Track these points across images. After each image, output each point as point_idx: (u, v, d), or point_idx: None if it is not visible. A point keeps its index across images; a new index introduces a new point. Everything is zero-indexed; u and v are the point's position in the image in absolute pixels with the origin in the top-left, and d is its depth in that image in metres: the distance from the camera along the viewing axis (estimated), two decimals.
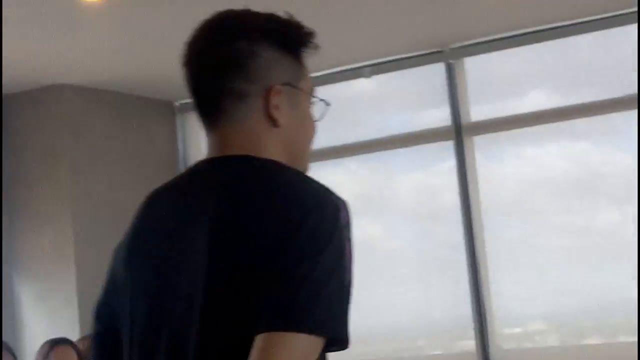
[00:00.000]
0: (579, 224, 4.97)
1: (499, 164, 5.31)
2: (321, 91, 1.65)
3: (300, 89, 1.60)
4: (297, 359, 1.42)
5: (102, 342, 1.76)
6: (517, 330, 5.22)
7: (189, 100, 5.38)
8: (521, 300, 4.98)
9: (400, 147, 5.29)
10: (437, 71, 5.28)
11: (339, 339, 1.45)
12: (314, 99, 1.65)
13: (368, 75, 5.38)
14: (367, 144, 5.39)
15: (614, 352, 4.75)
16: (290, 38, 1.61)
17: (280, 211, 1.47)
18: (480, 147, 5.04)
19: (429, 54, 5.25)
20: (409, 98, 5.64)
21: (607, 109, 4.81)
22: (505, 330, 5.01)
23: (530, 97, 5.27)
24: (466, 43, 5.18)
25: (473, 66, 5.25)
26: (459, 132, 4.97)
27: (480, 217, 4.95)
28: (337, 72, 5.36)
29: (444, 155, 5.18)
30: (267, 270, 1.43)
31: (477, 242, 4.88)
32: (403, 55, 5.32)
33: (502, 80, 5.15)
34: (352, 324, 1.44)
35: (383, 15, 4.54)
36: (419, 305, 5.26)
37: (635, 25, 4.46)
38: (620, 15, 4.49)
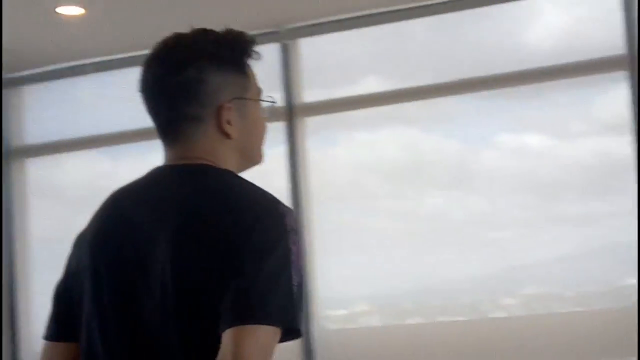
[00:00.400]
0: (407, 209, 5.05)
1: (331, 148, 5.32)
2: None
3: (247, 99, 1.78)
4: (261, 348, 1.61)
5: (60, 321, 1.89)
6: (342, 311, 5.27)
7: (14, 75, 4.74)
8: (347, 283, 4.98)
9: None
10: (272, 51, 5.20)
11: (294, 329, 1.63)
12: (261, 102, 1.83)
13: None
14: None
15: (432, 331, 4.86)
16: (235, 56, 1.76)
17: (234, 220, 1.65)
18: (313, 131, 5.04)
19: (264, 33, 5.10)
20: None
21: (438, 93, 4.85)
22: (330, 312, 5.05)
23: (364, 81, 5.26)
24: (301, 24, 5.14)
25: (308, 48, 5.21)
26: (291, 115, 4.95)
27: (310, 201, 4.95)
28: None
29: (275, 139, 5.06)
30: (225, 273, 1.61)
31: (305, 226, 4.85)
32: None
33: (337, 63, 5.16)
34: None
35: None
36: None
37: (469, 11, 4.50)
38: (453, 0, 4.55)
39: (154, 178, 1.84)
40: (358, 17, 5.04)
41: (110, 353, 1.84)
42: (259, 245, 1.67)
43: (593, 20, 4.85)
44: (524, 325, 4.88)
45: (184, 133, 1.78)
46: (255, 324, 1.62)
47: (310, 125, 5.16)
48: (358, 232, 5.06)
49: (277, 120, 5.13)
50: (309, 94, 5.12)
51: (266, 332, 1.64)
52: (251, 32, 5.43)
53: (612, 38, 4.60)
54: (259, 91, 1.84)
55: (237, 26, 5.51)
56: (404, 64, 5.24)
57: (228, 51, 1.79)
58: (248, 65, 1.80)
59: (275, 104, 1.91)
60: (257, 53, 1.80)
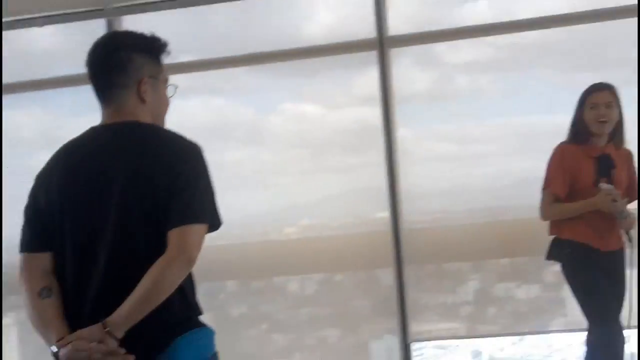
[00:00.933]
0: (214, 160, 5.00)
1: None
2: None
3: (158, 79, 2.15)
4: (198, 238, 1.98)
5: (37, 237, 2.13)
6: None
7: None
8: None
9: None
10: (97, 27, 4.84)
11: (216, 225, 2.05)
12: (167, 85, 2.19)
13: (40, 25, 4.94)
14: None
15: (233, 250, 4.85)
16: (153, 48, 2.13)
17: (170, 159, 2.03)
18: None
19: (89, 11, 4.87)
20: (75, 53, 5.42)
21: (234, 64, 4.76)
22: None
23: (180, 56, 4.78)
24: (126, 3, 4.84)
25: (132, 25, 4.74)
26: None
27: None
28: (15, 21, 4.88)
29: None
30: (172, 193, 1.97)
31: None
32: (68, 11, 4.90)
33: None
34: None
35: None
36: None
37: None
38: None
39: (99, 133, 2.13)
40: (174, 0, 4.81)
41: (78, 258, 2.08)
42: (190, 172, 2.02)
43: (354, 7, 4.71)
44: (302, 245, 5.01)
45: (114, 96, 2.10)
46: (194, 223, 1.99)
47: None
48: None
49: None
50: None
51: (200, 228, 2.00)
52: (77, 9, 5.05)
53: (366, 24, 4.53)
54: (166, 79, 2.19)
55: (64, 1, 4.92)
56: (209, 40, 5.04)
57: (149, 45, 2.13)
58: (161, 59, 2.15)
59: (176, 88, 2.23)
60: (168, 51, 2.15)
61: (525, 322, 4.72)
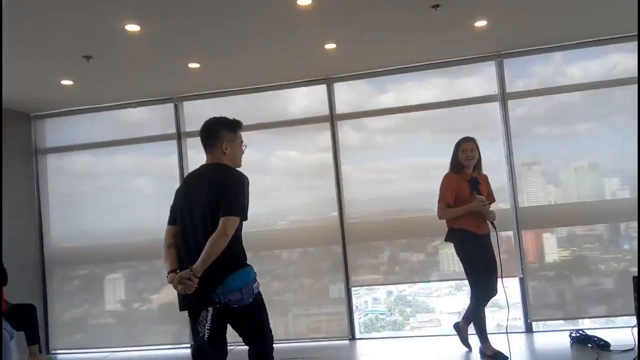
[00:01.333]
0: None
1: None
2: None
3: (235, 142, 2.82)
4: (231, 224, 2.59)
5: (172, 218, 2.83)
6: None
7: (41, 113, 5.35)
8: None
9: None
10: (169, 109, 5.45)
11: (243, 218, 2.64)
12: (242, 144, 2.86)
13: (135, 107, 5.47)
14: None
15: None
16: (231, 125, 2.84)
17: (225, 184, 2.62)
18: None
19: (164, 99, 5.43)
20: (155, 123, 5.56)
21: None
22: None
23: None
24: (184, 94, 5.40)
25: (188, 108, 5.46)
26: None
27: None
28: (119, 104, 5.44)
29: None
30: (222, 198, 2.58)
31: None
32: (152, 98, 5.41)
33: None
34: None
35: None
36: None
37: None
38: None
39: (201, 168, 2.83)
40: (213, 92, 5.26)
41: (184, 231, 2.75)
42: (232, 187, 2.63)
43: (317, 97, 5.19)
44: (289, 231, 5.29)
45: (211, 150, 2.80)
46: (229, 215, 2.61)
47: None
48: None
49: None
50: None
51: (233, 219, 2.62)
52: (156, 97, 5.51)
53: (323, 107, 5.11)
54: (241, 141, 2.88)
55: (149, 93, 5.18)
56: (235, 115, 4.54)
57: (229, 124, 2.86)
58: (238, 129, 2.87)
59: (245, 146, 2.91)
60: (241, 126, 2.88)
61: (416, 275, 5.17)
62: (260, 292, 2.71)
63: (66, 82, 4.74)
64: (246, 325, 2.68)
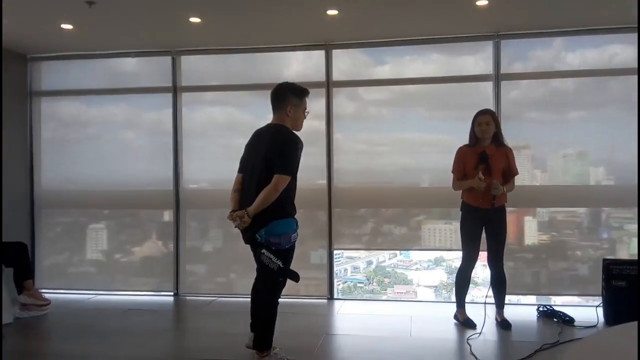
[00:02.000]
0: None
1: None
2: None
3: (299, 107, 3.20)
4: (282, 181, 3.02)
5: (241, 167, 3.28)
6: None
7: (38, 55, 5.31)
8: None
9: None
10: (166, 61, 5.33)
11: (292, 176, 3.05)
12: (305, 111, 3.23)
13: (133, 57, 5.34)
14: None
15: None
16: (297, 92, 3.20)
17: (283, 142, 3.03)
18: None
19: (162, 51, 5.32)
20: (152, 74, 5.44)
21: None
22: None
23: (211, 83, 5.26)
24: (182, 48, 5.30)
25: (185, 62, 5.33)
26: None
27: None
28: (117, 52, 5.33)
29: None
30: (277, 156, 3.00)
31: None
32: (151, 50, 5.30)
33: None
34: None
35: None
36: None
37: None
38: None
39: (267, 126, 3.24)
40: (209, 48, 5.16)
41: (247, 179, 3.19)
42: (287, 150, 3.04)
43: (314, 63, 5.12)
44: None
45: (277, 112, 3.19)
46: (280, 174, 3.04)
47: None
48: None
49: None
50: None
51: (283, 177, 3.04)
52: (155, 49, 5.43)
53: (320, 73, 5.02)
54: (305, 108, 3.26)
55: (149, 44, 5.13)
56: (228, 74, 5.28)
57: (296, 90, 3.23)
58: (304, 97, 3.25)
59: (307, 113, 3.32)
60: (307, 92, 3.27)
61: (397, 246, 5.28)
62: (295, 241, 3.19)
63: (66, 26, 4.70)
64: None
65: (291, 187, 3.13)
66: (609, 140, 4.79)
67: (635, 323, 1.64)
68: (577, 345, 1.56)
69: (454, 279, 4.27)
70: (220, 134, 5.36)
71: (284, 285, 3.28)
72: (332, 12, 4.33)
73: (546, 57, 4.94)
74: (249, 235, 3.11)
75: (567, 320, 4.24)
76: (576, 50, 4.92)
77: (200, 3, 4.13)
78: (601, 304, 4.08)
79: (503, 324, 4.10)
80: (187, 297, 5.29)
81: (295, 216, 3.27)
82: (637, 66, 4.49)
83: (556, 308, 4.46)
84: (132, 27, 4.71)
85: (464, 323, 4.19)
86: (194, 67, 5.40)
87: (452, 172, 4.05)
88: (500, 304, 4.16)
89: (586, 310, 4.46)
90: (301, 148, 3.08)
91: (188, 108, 5.43)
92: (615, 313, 4.09)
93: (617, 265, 3.97)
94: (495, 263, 4.06)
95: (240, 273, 5.34)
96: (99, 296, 5.42)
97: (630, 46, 4.78)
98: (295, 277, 3.15)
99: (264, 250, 3.06)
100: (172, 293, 5.41)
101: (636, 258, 4.38)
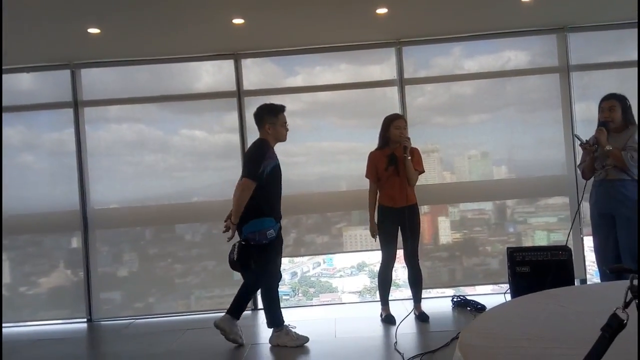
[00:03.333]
0: None
1: None
2: None
3: (276, 124, 3.63)
4: (242, 184, 3.51)
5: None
6: None
7: None
8: None
9: None
10: (64, 75, 5.06)
11: (254, 179, 3.51)
12: (285, 124, 3.64)
13: (28, 72, 5.10)
14: None
15: None
16: (273, 110, 3.62)
17: (248, 151, 3.62)
18: None
19: (60, 64, 5.03)
20: (49, 89, 5.15)
21: None
22: None
23: (117, 96, 5.10)
24: (82, 61, 5.07)
25: (86, 75, 5.08)
26: None
27: None
28: (11, 68, 4.97)
29: None
30: (244, 164, 3.53)
31: None
32: (46, 64, 5.02)
33: None
34: None
35: None
36: None
37: None
38: None
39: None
40: (112, 61, 4.99)
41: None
42: (249, 156, 3.53)
43: (225, 74, 5.00)
44: (193, 208, 5.11)
45: (259, 129, 3.60)
46: (243, 177, 3.51)
47: None
48: None
49: None
50: None
51: (246, 179, 3.47)
52: (51, 62, 5.04)
53: (230, 83, 4.95)
54: (283, 122, 3.65)
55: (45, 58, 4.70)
56: (136, 86, 5.10)
57: (271, 109, 3.63)
58: (279, 113, 3.63)
59: (287, 126, 3.75)
60: (282, 110, 3.65)
61: (322, 250, 5.19)
62: (276, 237, 3.58)
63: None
64: (255, 258, 3.52)
65: (270, 192, 3.57)
66: (508, 141, 5.03)
67: (530, 295, 1.93)
68: (481, 315, 1.79)
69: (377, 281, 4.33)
70: (129, 151, 5.18)
71: (279, 275, 3.76)
72: (238, 20, 4.26)
73: (447, 63, 5.12)
74: (238, 232, 3.56)
75: (479, 308, 4.43)
76: (474, 56, 5.12)
77: (97, 13, 3.96)
78: (508, 290, 4.25)
79: (421, 317, 4.21)
80: (102, 322, 4.99)
81: (282, 221, 3.76)
82: (566, 67, 4.84)
83: (469, 297, 4.65)
84: (25, 41, 4.43)
85: (385, 319, 4.25)
86: (96, 80, 5.16)
87: (366, 176, 4.12)
88: (417, 298, 4.29)
89: (496, 297, 4.65)
90: (271, 157, 3.55)
91: (92, 126, 5.18)
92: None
93: (520, 252, 4.17)
94: (411, 260, 4.16)
95: (159, 296, 5.14)
96: (5, 329, 4.97)
97: (521, 51, 5.06)
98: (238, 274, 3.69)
99: (239, 241, 3.52)
100: (85, 320, 5.04)
101: (538, 245, 4.69)
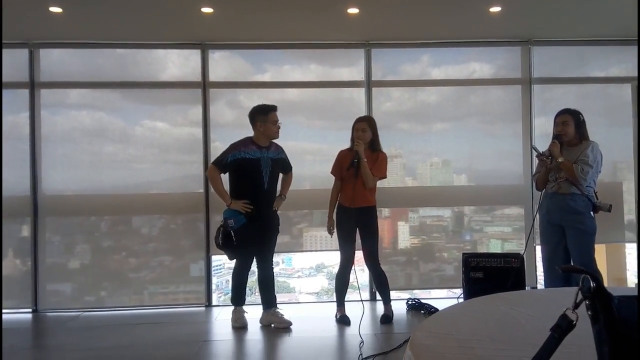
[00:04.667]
0: None
1: None
2: None
3: (267, 122, 3.85)
4: (210, 167, 3.88)
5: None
6: None
7: None
8: None
9: None
10: (23, 54, 4.80)
11: (220, 168, 3.95)
12: (276, 122, 3.84)
13: None
14: None
15: None
16: (263, 110, 3.84)
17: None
18: None
19: (18, 43, 4.74)
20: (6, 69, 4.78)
21: None
22: None
23: (76, 79, 4.85)
24: (40, 41, 4.76)
25: (45, 56, 4.82)
26: None
27: None
28: None
29: None
30: None
31: None
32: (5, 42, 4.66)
33: None
34: None
35: None
36: None
37: None
38: None
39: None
40: (73, 42, 4.75)
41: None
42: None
43: (191, 66, 4.83)
44: (151, 200, 4.93)
45: (252, 128, 3.81)
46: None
47: None
48: None
49: None
50: None
51: (211, 165, 3.94)
52: (10, 40, 4.70)
53: (196, 74, 4.78)
54: (275, 120, 3.85)
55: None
56: (97, 71, 4.86)
57: (262, 109, 3.84)
58: (270, 112, 3.83)
59: (279, 124, 3.92)
60: (272, 109, 3.87)
61: (305, 247, 5.05)
62: (242, 225, 3.81)
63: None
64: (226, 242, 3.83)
65: (235, 183, 3.85)
66: (469, 149, 5.04)
67: (482, 297, 1.98)
68: (433, 316, 1.81)
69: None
70: (88, 140, 4.93)
71: (248, 264, 4.06)
72: (207, 9, 4.10)
73: (414, 71, 5.10)
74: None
75: (433, 311, 4.40)
76: (441, 65, 5.11)
77: None
78: (462, 295, 4.25)
79: (382, 318, 4.18)
80: (49, 313, 4.74)
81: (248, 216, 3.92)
82: (528, 79, 4.86)
83: (423, 301, 4.63)
84: None
85: (341, 320, 4.20)
86: (56, 62, 4.88)
87: (332, 173, 4.15)
88: (385, 300, 4.25)
89: (449, 301, 4.51)
90: (242, 149, 3.80)
91: (49, 110, 4.87)
92: None
93: (475, 258, 4.19)
94: (371, 262, 4.11)
95: (110, 290, 4.90)
96: None
97: (487, 63, 5.08)
98: (228, 254, 3.91)
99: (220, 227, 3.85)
100: (30, 310, 4.77)
101: (492, 252, 4.67)
